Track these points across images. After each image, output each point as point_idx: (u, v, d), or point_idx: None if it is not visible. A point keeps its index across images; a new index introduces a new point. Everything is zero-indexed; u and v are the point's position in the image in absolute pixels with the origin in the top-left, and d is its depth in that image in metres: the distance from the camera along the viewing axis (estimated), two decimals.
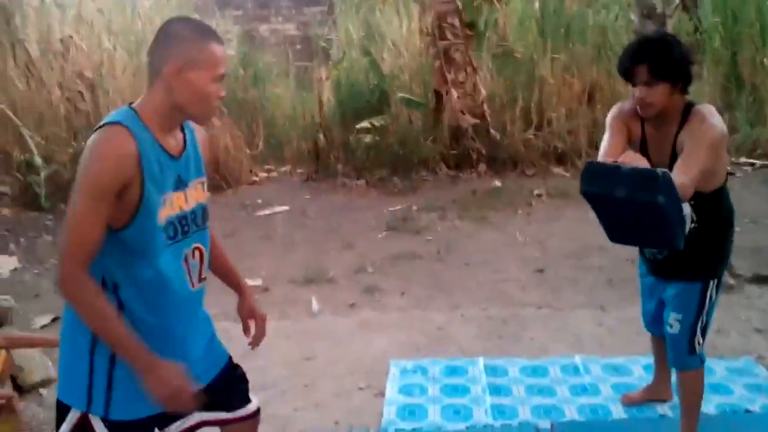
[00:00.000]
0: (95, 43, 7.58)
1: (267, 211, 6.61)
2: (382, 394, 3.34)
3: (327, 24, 9.81)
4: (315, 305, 4.43)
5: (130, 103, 1.81)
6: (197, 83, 1.73)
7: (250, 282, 4.83)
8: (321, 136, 7.68)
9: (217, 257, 2.08)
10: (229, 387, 2.06)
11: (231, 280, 2.17)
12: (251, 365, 3.62)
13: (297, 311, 4.36)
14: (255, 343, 2.19)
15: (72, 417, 1.82)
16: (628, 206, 2.18)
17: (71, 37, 7.36)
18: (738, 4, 8.42)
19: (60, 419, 1.85)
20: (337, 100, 7.88)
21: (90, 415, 1.81)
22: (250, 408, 2.10)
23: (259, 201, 6.90)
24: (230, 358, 2.11)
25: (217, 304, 4.61)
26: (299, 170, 7.86)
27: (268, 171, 7.95)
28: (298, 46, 10.35)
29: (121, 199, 1.69)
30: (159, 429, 1.91)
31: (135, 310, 1.78)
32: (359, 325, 4.15)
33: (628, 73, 2.44)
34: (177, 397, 1.76)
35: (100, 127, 1.73)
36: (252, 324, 2.18)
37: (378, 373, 3.53)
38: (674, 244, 2.35)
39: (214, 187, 7.23)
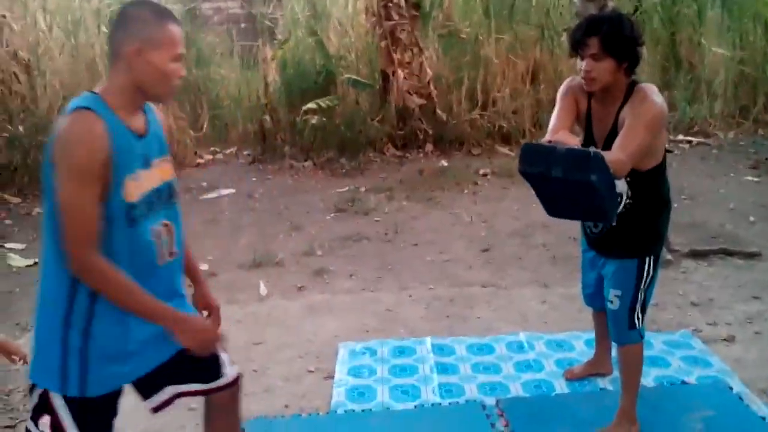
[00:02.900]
0: (30, 23, 7.32)
1: (213, 195, 6.54)
2: (331, 376, 3.36)
3: (271, 2, 9.67)
4: (263, 289, 4.42)
5: (92, 90, 1.85)
6: (157, 63, 1.79)
7: None
8: (267, 117, 7.61)
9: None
10: (201, 359, 2.05)
11: (188, 268, 2.16)
12: None
13: (245, 296, 4.34)
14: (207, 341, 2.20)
15: (35, 395, 1.87)
16: (563, 185, 2.27)
17: (4, 16, 7.09)
18: None
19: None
20: (283, 81, 7.80)
21: (50, 393, 1.84)
22: (225, 379, 2.12)
23: (204, 184, 6.82)
24: None
25: None
26: (245, 152, 7.78)
27: (214, 153, 7.85)
28: (243, 25, 10.17)
29: (100, 180, 1.74)
30: (144, 399, 2.05)
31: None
32: (308, 308, 4.16)
33: (578, 44, 2.48)
34: (206, 344, 1.96)
35: (65, 113, 1.76)
36: (206, 314, 2.19)
37: (327, 356, 3.55)
38: (607, 218, 2.48)
39: None
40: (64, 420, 1.84)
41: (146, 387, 2.02)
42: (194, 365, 2.04)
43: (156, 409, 2.07)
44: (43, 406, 1.86)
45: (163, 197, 1.93)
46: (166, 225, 1.93)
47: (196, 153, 7.62)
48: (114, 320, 1.83)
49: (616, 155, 2.31)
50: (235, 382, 2.15)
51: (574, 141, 2.42)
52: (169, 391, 2.04)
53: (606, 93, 2.53)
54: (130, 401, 3.23)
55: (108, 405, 1.94)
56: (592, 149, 2.28)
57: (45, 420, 1.85)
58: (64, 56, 7.35)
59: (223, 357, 2.12)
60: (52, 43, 7.33)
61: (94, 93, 1.82)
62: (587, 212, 2.51)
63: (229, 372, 2.13)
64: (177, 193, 2.00)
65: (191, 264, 2.19)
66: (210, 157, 7.75)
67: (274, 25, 9.00)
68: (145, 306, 1.83)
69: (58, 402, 1.84)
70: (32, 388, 1.89)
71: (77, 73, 7.24)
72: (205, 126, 8.00)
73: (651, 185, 2.62)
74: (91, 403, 1.86)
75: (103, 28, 7.73)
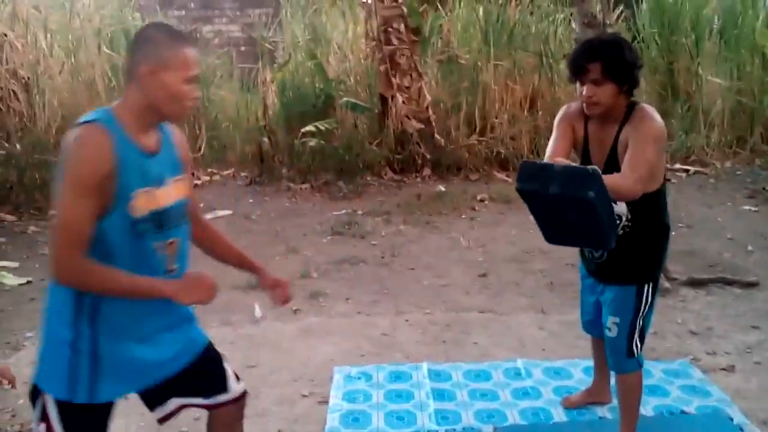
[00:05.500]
0: (31, 42, 7.35)
1: (209, 216, 6.50)
2: (326, 401, 3.30)
3: (272, 26, 9.74)
4: (258, 311, 4.37)
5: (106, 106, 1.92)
6: (170, 84, 1.83)
7: None
8: (265, 139, 7.62)
9: (224, 246, 2.26)
10: (205, 374, 2.10)
11: (243, 263, 2.28)
12: None
13: (239, 318, 4.30)
14: (287, 301, 2.32)
15: (39, 403, 1.89)
16: (561, 203, 2.21)
17: (5, 35, 7.12)
18: (674, 14, 8.69)
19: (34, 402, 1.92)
20: (282, 104, 7.83)
21: (47, 401, 1.87)
22: (230, 394, 2.13)
23: (201, 205, 6.75)
24: (209, 345, 2.13)
25: None
26: (243, 174, 7.77)
27: (211, 174, 7.84)
28: (243, 48, 10.25)
29: (101, 192, 1.77)
30: (150, 410, 2.07)
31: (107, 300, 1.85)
32: (303, 331, 4.11)
33: (579, 69, 2.46)
34: (208, 292, 1.89)
35: (76, 126, 1.81)
36: (278, 290, 2.28)
37: (322, 380, 3.50)
38: (605, 242, 2.39)
39: None
40: (56, 429, 1.86)
41: (153, 398, 2.05)
42: (200, 379, 2.07)
43: (162, 420, 2.09)
44: (43, 415, 1.87)
45: (175, 217, 1.96)
46: (172, 243, 1.95)
47: (193, 174, 7.60)
48: (121, 325, 1.87)
49: (626, 180, 2.28)
50: (240, 399, 2.16)
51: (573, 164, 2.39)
52: (175, 402, 2.06)
53: (605, 116, 2.51)
54: None
55: (105, 414, 1.95)
56: (590, 167, 2.25)
57: (41, 428, 1.87)
58: (63, 75, 7.37)
59: (230, 372, 2.14)
60: (52, 62, 7.36)
61: (108, 108, 1.87)
62: (585, 236, 2.42)
63: (234, 388, 2.14)
64: (187, 212, 2.04)
65: (244, 257, 2.27)
66: (207, 178, 7.73)
67: (274, 49, 9.05)
68: (133, 288, 1.82)
69: (52, 411, 1.86)
70: (36, 395, 1.90)
71: (76, 92, 7.26)
72: (203, 147, 8.01)
73: (651, 209, 2.58)
74: (90, 411, 1.88)
75: (104, 48, 7.78)
